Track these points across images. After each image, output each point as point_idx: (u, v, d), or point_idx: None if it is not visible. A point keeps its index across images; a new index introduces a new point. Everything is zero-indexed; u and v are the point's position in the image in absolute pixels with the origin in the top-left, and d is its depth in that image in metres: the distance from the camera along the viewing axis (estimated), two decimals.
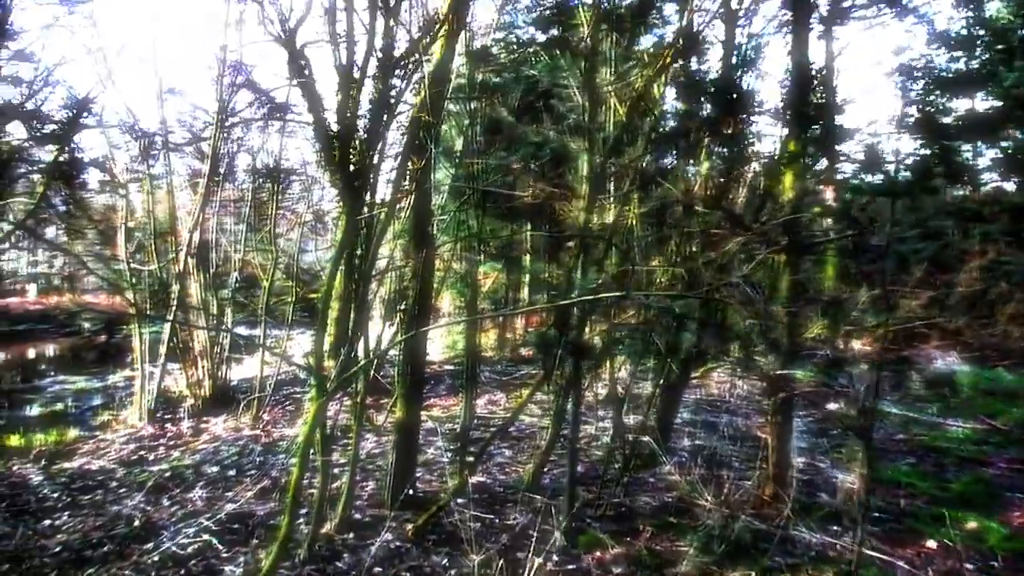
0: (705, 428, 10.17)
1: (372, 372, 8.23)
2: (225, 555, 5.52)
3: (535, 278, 18.24)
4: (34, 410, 12.76)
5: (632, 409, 9.31)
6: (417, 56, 7.13)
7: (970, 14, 19.52)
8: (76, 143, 28.95)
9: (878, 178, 25.14)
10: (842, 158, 22.04)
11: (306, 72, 7.39)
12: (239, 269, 13.83)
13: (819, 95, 11.60)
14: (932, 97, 21.63)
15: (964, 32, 19.72)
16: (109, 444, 8.96)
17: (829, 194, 15.16)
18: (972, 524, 6.46)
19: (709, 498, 6.58)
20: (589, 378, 8.44)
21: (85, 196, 31.92)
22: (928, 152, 21.21)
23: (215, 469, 7.85)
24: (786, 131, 9.47)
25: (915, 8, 19.10)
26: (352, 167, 5.87)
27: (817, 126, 10.84)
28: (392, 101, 7.07)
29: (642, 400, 10.90)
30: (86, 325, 25.14)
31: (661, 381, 7.88)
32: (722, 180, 8.35)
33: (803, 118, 7.68)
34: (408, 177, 6.30)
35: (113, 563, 5.32)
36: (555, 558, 5.66)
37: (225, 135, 14.84)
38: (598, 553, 5.85)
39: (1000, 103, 18.65)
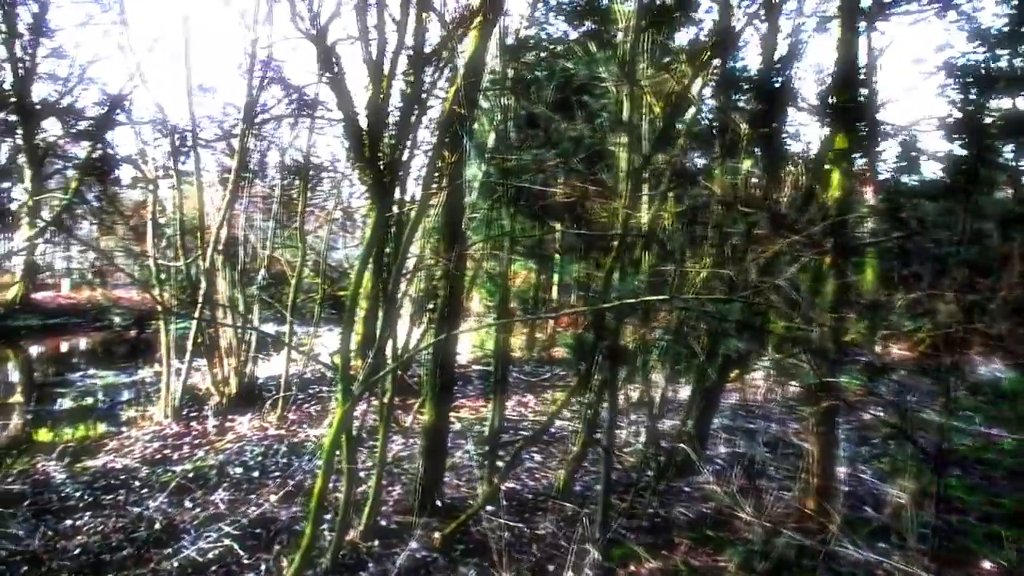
0: (741, 435, 9.87)
1: (400, 372, 8.05)
2: (247, 561, 5.36)
3: (566, 278, 17.99)
4: (64, 404, 12.79)
5: (665, 414, 9.06)
6: (450, 49, 6.94)
7: (1013, 11, 18.90)
8: (109, 140, 29.34)
9: (916, 178, 24.65)
10: (881, 158, 21.58)
11: (336, 68, 7.24)
12: (267, 266, 13.74)
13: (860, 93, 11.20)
14: (973, 96, 21.04)
15: (1007, 30, 19.11)
16: (134, 442, 8.87)
17: (869, 194, 14.75)
18: None
19: (748, 510, 6.32)
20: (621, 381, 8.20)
21: (117, 192, 32.29)
22: (969, 153, 20.65)
23: (239, 470, 7.71)
24: (826, 130, 9.20)
25: (957, 4, 18.57)
26: (382, 163, 5.68)
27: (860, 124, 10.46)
28: (423, 95, 6.89)
29: (675, 404, 10.65)
30: (117, 320, 25.34)
31: (697, 386, 7.62)
32: (764, 179, 8.06)
33: (850, 114, 7.37)
34: (440, 173, 6.09)
35: (132, 568, 5.18)
36: (589, 572, 5.41)
37: (255, 132, 14.80)
38: (632, 567, 5.61)
39: None
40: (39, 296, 27.71)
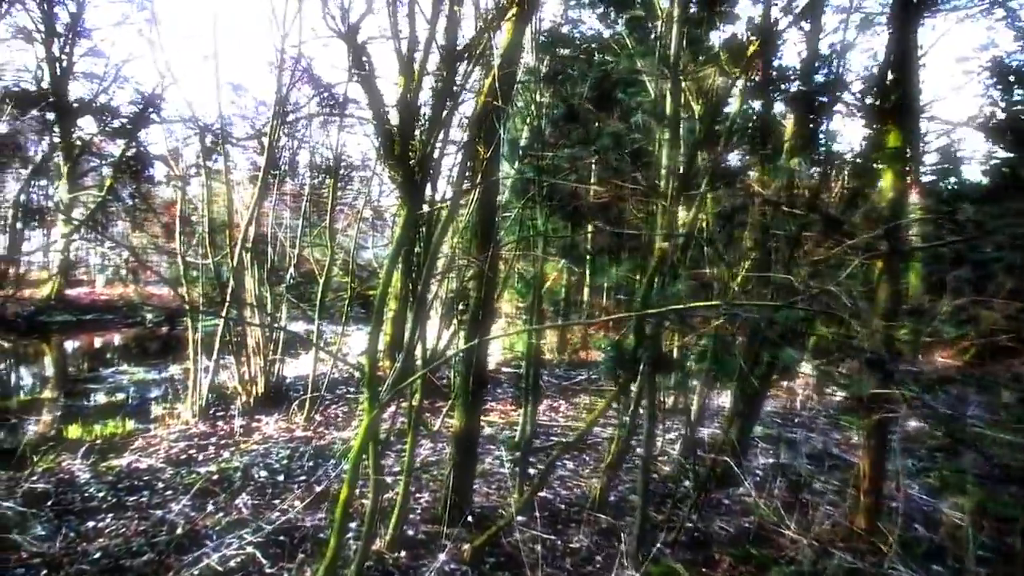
0: (780, 444, 9.51)
1: (428, 374, 7.83)
2: (269, 571, 5.16)
3: (598, 280, 17.69)
4: (94, 400, 12.81)
5: (702, 421, 8.73)
6: (483, 43, 6.71)
7: None
8: (142, 138, 29.63)
9: (956, 181, 23.95)
10: (925, 160, 21.02)
11: (367, 66, 7.07)
12: (296, 265, 13.63)
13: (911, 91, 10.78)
14: (1019, 96, 20.42)
15: None
16: (159, 441, 8.75)
17: (915, 196, 14.24)
18: None
19: (792, 526, 6.00)
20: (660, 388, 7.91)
21: (151, 190, 32.63)
22: (1013, 155, 20.05)
23: (264, 473, 7.54)
24: (868, 130, 8.82)
25: (1004, 1, 17.97)
26: (413, 160, 5.47)
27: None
28: (456, 90, 6.67)
29: (712, 412, 10.31)
30: (148, 317, 25.55)
31: (738, 393, 7.30)
32: (810, 179, 7.71)
33: (902, 113, 7.00)
34: (472, 170, 5.85)
35: (151, 575, 5.01)
36: None
37: (286, 131, 14.72)
38: None
39: None
40: (73, 292, 28.03)
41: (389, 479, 6.86)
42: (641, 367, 4.90)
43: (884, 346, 6.01)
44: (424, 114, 7.28)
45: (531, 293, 7.50)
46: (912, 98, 7.95)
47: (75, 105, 28.42)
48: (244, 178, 17.62)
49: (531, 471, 7.83)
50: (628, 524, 6.27)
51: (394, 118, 7.11)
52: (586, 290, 18.91)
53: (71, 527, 5.88)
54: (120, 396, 13.05)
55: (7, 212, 27.47)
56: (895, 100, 7.02)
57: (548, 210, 6.93)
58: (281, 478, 7.41)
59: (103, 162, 30.63)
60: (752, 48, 7.38)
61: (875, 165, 8.96)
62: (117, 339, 23.87)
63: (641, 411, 6.09)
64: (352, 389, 12.25)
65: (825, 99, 8.72)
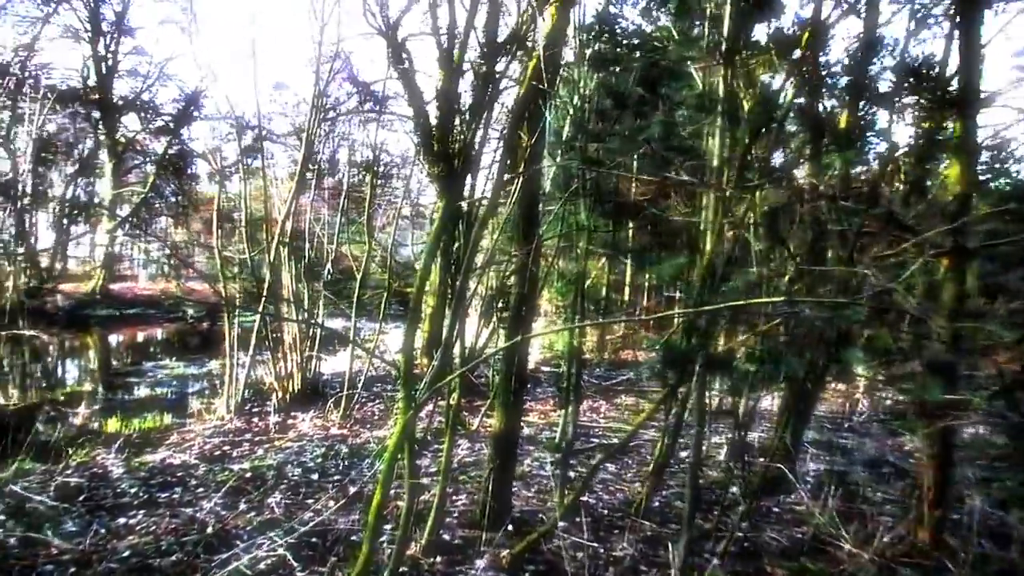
0: (831, 450, 9.12)
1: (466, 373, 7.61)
2: (300, 574, 4.97)
3: (645, 278, 17.34)
4: (135, 393, 12.90)
5: (749, 424, 8.37)
6: (526, 28, 6.49)
7: None
8: (185, 135, 30.02)
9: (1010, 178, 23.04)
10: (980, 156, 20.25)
11: (406, 62, 6.93)
12: (333, 260, 13.57)
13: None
14: None
15: None
16: (194, 437, 8.68)
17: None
18: None
19: (850, 538, 5.66)
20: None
21: (193, 187, 33.05)
22: None
23: (297, 471, 7.39)
24: (923, 124, 8.41)
25: None
26: (453, 148, 5.26)
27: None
28: (498, 77, 6.45)
29: (757, 413, 9.92)
30: (190, 312, 25.88)
31: (790, 395, 6.97)
32: (868, 173, 7.36)
33: (968, 105, 6.59)
34: (514, 160, 5.61)
35: None
36: None
37: (325, 127, 14.67)
38: None
39: None
40: (117, 287, 28.47)
41: (425, 480, 6.67)
42: (695, 368, 4.61)
43: (950, 348, 5.64)
44: (464, 106, 7.07)
45: (574, 290, 7.24)
46: (975, 90, 7.53)
47: (119, 103, 28.88)
48: (285, 175, 17.65)
49: (571, 474, 7.58)
50: (674, 532, 5.98)
51: (433, 112, 6.94)
52: (627, 288, 18.57)
53: (102, 523, 5.78)
54: (159, 390, 13.13)
55: (54, 208, 28.01)
56: (959, 91, 6.63)
57: (592, 203, 6.66)
58: (315, 477, 7.26)
59: (146, 159, 31.10)
60: (806, 37, 7.03)
61: (934, 158, 8.56)
62: (159, 333, 24.21)
63: (687, 414, 5.80)
64: (389, 387, 12.11)
65: (882, 90, 8.34)
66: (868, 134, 9.54)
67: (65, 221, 27.55)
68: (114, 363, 17.68)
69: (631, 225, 15.53)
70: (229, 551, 5.25)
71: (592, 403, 11.66)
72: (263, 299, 10.15)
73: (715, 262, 4.84)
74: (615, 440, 9.49)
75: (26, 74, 24.78)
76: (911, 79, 7.55)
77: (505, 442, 6.05)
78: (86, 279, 27.81)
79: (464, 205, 6.68)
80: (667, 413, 6.59)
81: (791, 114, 8.15)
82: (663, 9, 14.28)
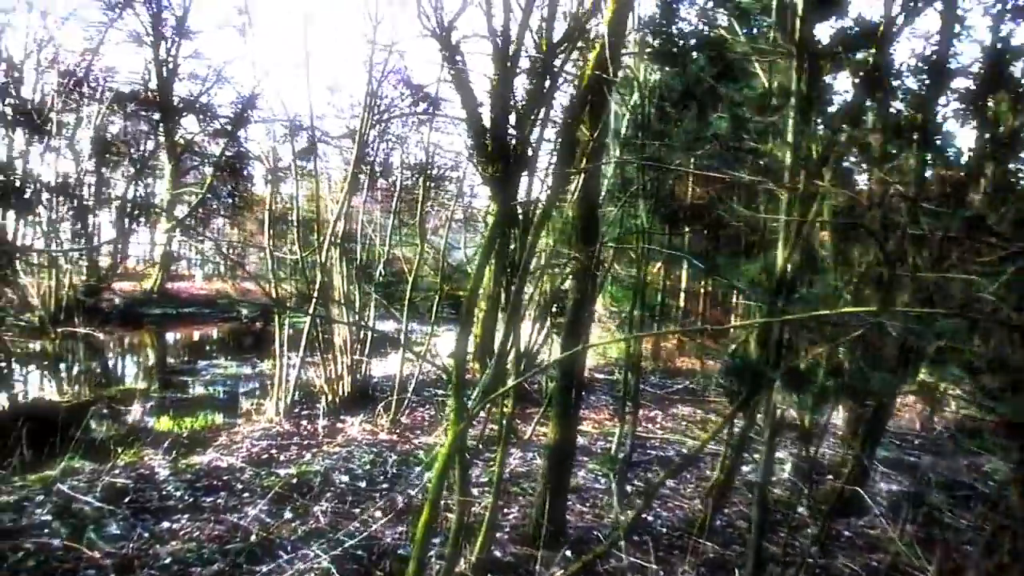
0: (903, 469, 8.60)
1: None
2: None
3: (693, 282, 16.85)
4: (188, 392, 12.97)
5: (820, 440, 7.91)
6: (585, 21, 6.20)
7: None
8: (242, 138, 30.47)
9: None
10: None
11: (460, 63, 6.71)
12: (385, 263, 13.45)
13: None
14: None
15: None
16: (242, 439, 8.58)
17: None
18: None
19: (933, 569, 5.22)
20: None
21: (249, 188, 33.55)
22: None
23: (344, 479, 7.19)
24: (1005, 123, 7.85)
25: None
26: (506, 151, 5.00)
27: None
28: (554, 72, 6.19)
29: (820, 429, 9.42)
30: (244, 312, 26.14)
31: (864, 411, 6.53)
32: (948, 174, 6.86)
33: None
34: (573, 157, 5.32)
35: None
36: None
37: (380, 130, 14.59)
38: None
39: None
40: (173, 286, 28.97)
41: (475, 491, 6.41)
42: (768, 381, 4.25)
43: None
44: (519, 104, 6.83)
45: (632, 296, 6.91)
46: None
47: (179, 105, 29.44)
48: (339, 177, 17.68)
49: (628, 487, 7.24)
50: (739, 555, 5.61)
51: (486, 112, 6.70)
52: (682, 294, 18.07)
53: (146, 527, 5.65)
54: (212, 389, 13.18)
55: (115, 208, 28.69)
56: None
57: (653, 205, 6.32)
58: (362, 485, 7.06)
59: (204, 161, 31.66)
60: (876, 33, 6.59)
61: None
62: (215, 333, 24.52)
63: (753, 432, 5.43)
64: (439, 392, 11.91)
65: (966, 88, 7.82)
66: (945, 133, 9.00)
67: (125, 221, 28.15)
68: (169, 361, 17.89)
69: (686, 229, 15.07)
70: (272, 562, 5.06)
71: (647, 412, 11.26)
72: (314, 300, 10.04)
73: (788, 267, 4.46)
74: (672, 452, 9.11)
75: (91, 77, 25.40)
76: (996, 73, 7.03)
77: (560, 453, 5.75)
78: (144, 278, 28.36)
79: (519, 206, 6.42)
80: (731, 427, 6.22)
81: (865, 113, 7.70)
82: (723, 8, 13.81)
